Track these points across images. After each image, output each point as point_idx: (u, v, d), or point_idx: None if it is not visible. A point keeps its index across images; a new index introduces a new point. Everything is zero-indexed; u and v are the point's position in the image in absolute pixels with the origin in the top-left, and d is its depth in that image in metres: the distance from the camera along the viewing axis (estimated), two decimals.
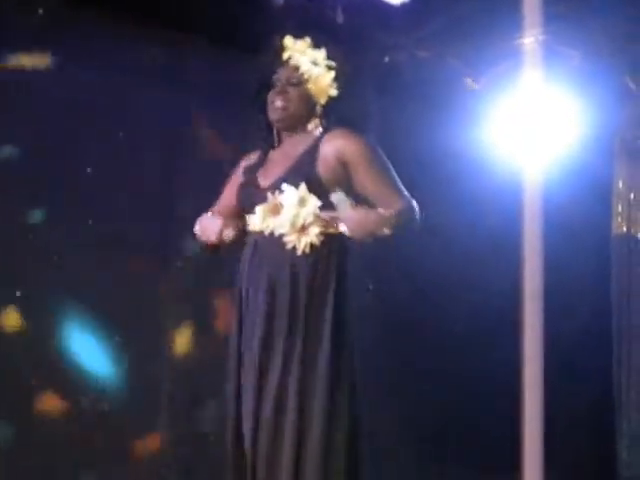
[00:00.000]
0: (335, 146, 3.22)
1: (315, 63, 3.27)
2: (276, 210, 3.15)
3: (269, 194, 3.18)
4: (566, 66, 5.64)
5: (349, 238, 3.16)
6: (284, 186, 3.14)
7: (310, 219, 3.13)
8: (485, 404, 5.97)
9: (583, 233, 6.20)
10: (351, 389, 3.17)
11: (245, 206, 3.28)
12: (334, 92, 3.27)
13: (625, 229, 6.39)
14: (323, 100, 3.28)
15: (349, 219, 3.09)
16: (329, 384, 3.10)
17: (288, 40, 3.29)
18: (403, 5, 4.92)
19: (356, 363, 3.20)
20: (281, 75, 3.28)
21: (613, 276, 6.41)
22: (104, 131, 4.74)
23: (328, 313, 3.14)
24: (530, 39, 3.54)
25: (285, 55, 3.28)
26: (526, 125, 4.77)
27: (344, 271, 3.21)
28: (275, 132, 3.34)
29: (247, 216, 3.26)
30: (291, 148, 3.28)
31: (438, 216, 5.33)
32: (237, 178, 3.41)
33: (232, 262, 3.36)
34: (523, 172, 2.28)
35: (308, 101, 3.27)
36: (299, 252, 3.13)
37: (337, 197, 3.09)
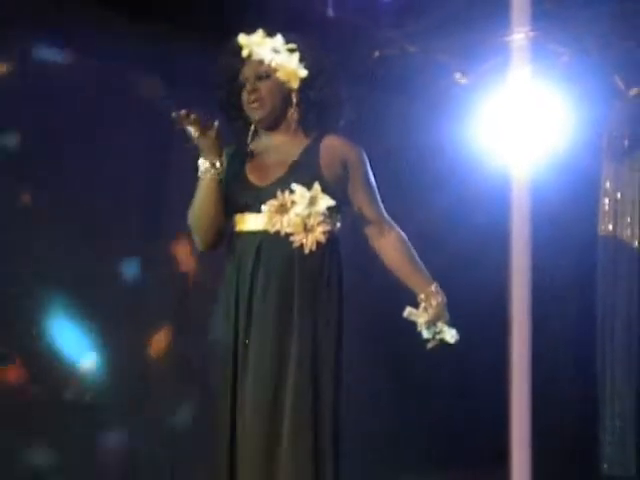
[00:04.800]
0: (339, 149, 3.23)
1: (275, 50, 3.23)
2: (284, 209, 3.12)
3: (278, 193, 3.13)
4: (555, 63, 5.65)
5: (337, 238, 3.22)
6: (294, 185, 3.11)
7: (320, 218, 3.14)
8: (472, 402, 5.99)
9: (570, 231, 6.22)
10: (338, 386, 3.18)
11: (237, 206, 3.22)
12: (304, 73, 3.23)
13: (611, 228, 6.41)
14: (295, 84, 3.24)
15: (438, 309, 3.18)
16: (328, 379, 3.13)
17: (242, 38, 3.24)
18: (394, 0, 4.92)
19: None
20: (247, 73, 3.25)
21: (599, 274, 6.43)
22: (91, 121, 4.73)
23: (331, 309, 3.17)
24: (519, 36, 3.55)
25: (245, 52, 3.24)
26: (514, 122, 4.78)
27: (341, 268, 3.22)
28: (252, 129, 3.30)
29: (238, 215, 3.22)
30: (279, 146, 3.26)
31: (424, 213, 5.35)
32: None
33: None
34: (511, 169, 2.28)
35: (281, 90, 3.24)
36: (306, 250, 3.13)
37: (409, 312, 3.17)
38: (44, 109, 4.54)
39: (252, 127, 3.29)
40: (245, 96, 3.25)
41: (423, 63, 5.69)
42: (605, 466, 6.27)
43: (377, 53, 5.57)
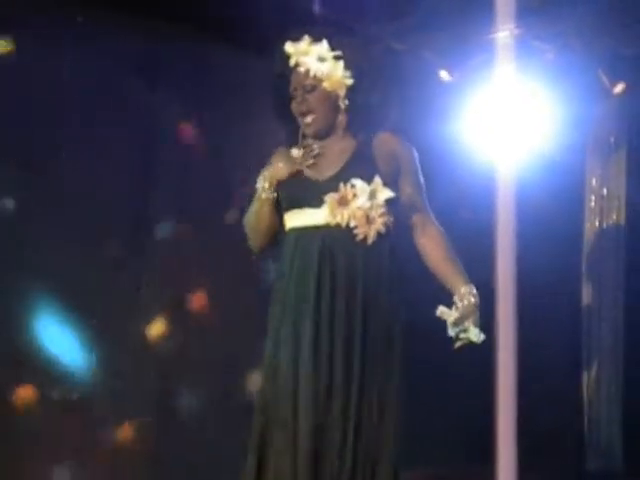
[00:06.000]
0: (391, 145, 3.31)
1: (321, 59, 3.26)
2: (345, 202, 3.17)
3: (340, 185, 3.18)
4: (540, 60, 5.66)
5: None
6: (355, 180, 3.18)
7: (381, 210, 3.20)
8: (457, 402, 5.99)
9: (556, 228, 6.22)
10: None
11: (295, 201, 3.26)
12: (350, 81, 3.28)
13: (597, 224, 6.42)
14: (342, 92, 3.29)
15: (468, 309, 3.19)
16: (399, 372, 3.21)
17: (289, 46, 3.28)
18: None
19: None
20: (295, 83, 3.30)
21: (585, 271, 6.44)
22: (82, 116, 4.71)
23: (394, 298, 3.23)
24: (504, 33, 3.55)
25: (292, 62, 3.28)
26: (500, 119, 4.79)
27: (397, 257, 3.28)
28: (302, 133, 3.34)
29: (295, 211, 3.26)
30: (331, 145, 3.31)
31: None
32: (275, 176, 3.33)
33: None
34: (496, 166, 2.28)
35: (329, 98, 3.29)
36: (370, 241, 3.18)
37: (441, 312, 3.17)
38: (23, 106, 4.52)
39: (301, 132, 3.33)
40: (295, 106, 3.30)
41: (408, 60, 5.69)
42: (590, 461, 6.29)
43: None
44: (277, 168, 3.26)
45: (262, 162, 3.40)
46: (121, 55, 4.86)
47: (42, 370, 4.57)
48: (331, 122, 3.31)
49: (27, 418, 4.52)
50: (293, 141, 3.36)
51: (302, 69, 3.27)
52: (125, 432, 4.87)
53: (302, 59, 3.27)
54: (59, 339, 4.64)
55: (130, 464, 4.85)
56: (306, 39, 3.27)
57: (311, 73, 3.26)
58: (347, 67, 3.27)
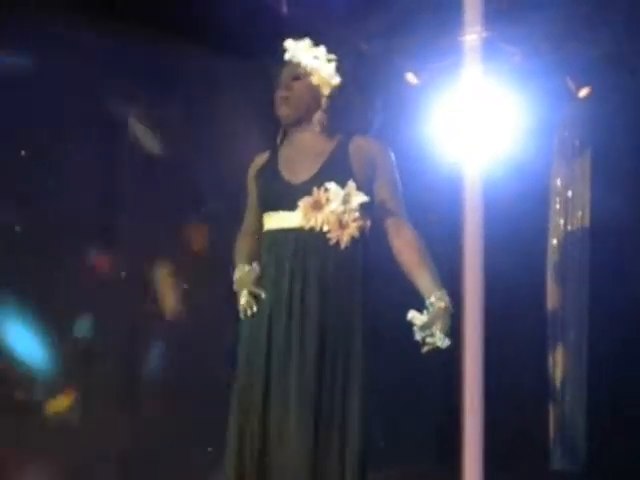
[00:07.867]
0: (368, 149, 3.33)
1: (316, 57, 3.35)
2: (318, 206, 3.19)
3: (314, 190, 3.20)
4: (507, 63, 5.69)
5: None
6: (328, 183, 3.20)
7: (354, 215, 3.21)
8: (424, 401, 6.00)
9: (522, 230, 6.25)
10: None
11: (271, 203, 3.30)
12: (336, 81, 3.33)
13: (562, 226, 6.46)
14: (326, 91, 3.34)
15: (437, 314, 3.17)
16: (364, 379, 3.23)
17: (289, 43, 3.35)
18: None
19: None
20: (284, 73, 3.36)
21: (550, 273, 6.47)
22: (40, 115, 4.68)
23: (366, 302, 3.26)
24: (472, 36, 3.56)
25: (287, 56, 3.35)
26: (466, 121, 4.81)
27: (371, 261, 3.30)
28: (281, 131, 3.40)
29: (271, 213, 3.29)
30: (309, 146, 3.35)
31: None
32: (253, 181, 3.44)
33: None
34: (463, 168, 2.29)
35: (312, 92, 3.34)
36: (342, 246, 3.20)
37: (412, 316, 3.17)
38: None
39: (281, 129, 3.39)
40: (277, 94, 3.36)
41: (375, 62, 5.70)
42: (555, 462, 6.32)
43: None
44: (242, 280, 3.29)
45: (237, 165, 3.44)
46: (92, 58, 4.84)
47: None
48: (306, 115, 3.34)
49: None
50: (275, 140, 3.41)
51: (295, 60, 3.34)
52: None
53: (298, 53, 3.34)
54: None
55: None
56: (307, 40, 3.36)
57: (302, 64, 3.33)
58: (337, 70, 3.35)
